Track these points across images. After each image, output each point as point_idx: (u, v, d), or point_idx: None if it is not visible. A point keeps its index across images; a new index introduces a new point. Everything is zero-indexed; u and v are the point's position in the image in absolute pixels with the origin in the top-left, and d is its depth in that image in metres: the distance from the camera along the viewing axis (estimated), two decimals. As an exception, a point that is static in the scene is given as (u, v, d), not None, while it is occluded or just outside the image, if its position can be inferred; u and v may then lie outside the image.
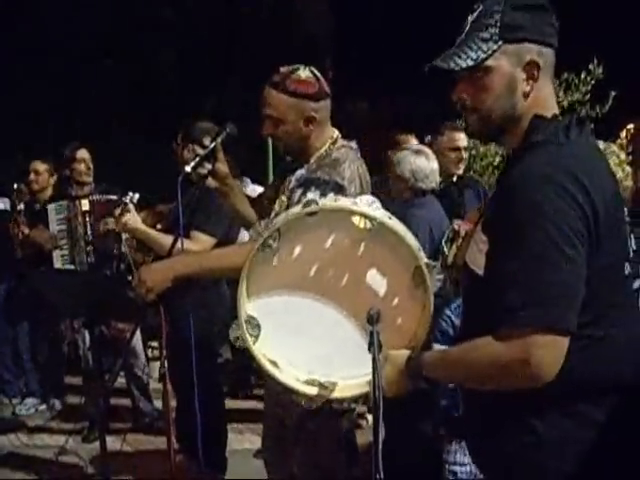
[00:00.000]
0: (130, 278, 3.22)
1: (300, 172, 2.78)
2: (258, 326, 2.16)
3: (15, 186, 5.93)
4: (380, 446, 1.68)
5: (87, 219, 5.20)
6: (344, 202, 2.08)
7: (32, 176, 6.01)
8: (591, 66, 7.56)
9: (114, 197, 5.15)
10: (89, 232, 5.20)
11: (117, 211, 4.20)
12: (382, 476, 1.66)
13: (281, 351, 2.17)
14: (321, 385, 2.13)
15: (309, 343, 2.13)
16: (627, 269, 1.88)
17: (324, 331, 2.12)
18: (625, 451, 1.81)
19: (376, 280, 2.05)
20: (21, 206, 5.68)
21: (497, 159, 7.44)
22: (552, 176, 1.69)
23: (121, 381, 5.76)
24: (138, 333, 5.28)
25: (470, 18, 1.87)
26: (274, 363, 2.17)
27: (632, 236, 2.80)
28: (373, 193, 2.48)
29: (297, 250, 2.09)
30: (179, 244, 3.00)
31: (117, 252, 4.76)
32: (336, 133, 2.85)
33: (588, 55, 7.62)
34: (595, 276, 1.72)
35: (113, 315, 4.06)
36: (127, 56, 14.34)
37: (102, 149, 5.79)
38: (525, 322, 1.66)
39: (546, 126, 1.81)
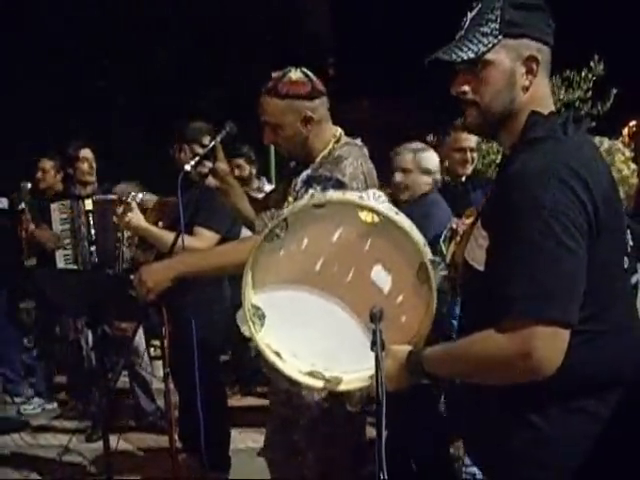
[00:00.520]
0: (132, 277, 3.22)
1: (305, 173, 2.78)
2: (263, 316, 2.17)
3: (22, 185, 5.91)
4: (383, 445, 1.68)
5: (90, 219, 5.20)
6: (351, 195, 2.09)
7: (39, 174, 6.02)
8: (592, 63, 7.54)
9: (116, 197, 5.15)
10: (92, 232, 5.20)
11: (120, 209, 4.21)
12: (386, 476, 1.66)
13: (285, 342, 2.17)
14: (324, 378, 2.13)
15: (313, 336, 2.14)
16: (626, 263, 1.89)
17: (328, 325, 2.13)
18: (627, 446, 1.81)
19: (381, 277, 2.05)
20: (22, 205, 5.66)
21: (500, 157, 7.42)
22: (552, 170, 1.70)
23: (124, 380, 5.78)
24: (140, 332, 5.29)
25: (469, 15, 1.90)
26: (277, 354, 2.17)
27: (628, 231, 2.80)
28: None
29: (304, 243, 2.10)
30: (180, 242, 3.02)
31: (119, 252, 4.77)
32: (339, 131, 2.84)
33: (589, 52, 7.61)
34: (595, 270, 1.73)
35: (115, 314, 4.06)
36: (126, 55, 14.33)
37: (103, 148, 5.78)
38: (526, 315, 1.67)
39: (544, 122, 1.82)
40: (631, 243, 2.53)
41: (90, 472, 4.77)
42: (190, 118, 4.48)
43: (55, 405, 6.12)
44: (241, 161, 6.05)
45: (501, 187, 1.82)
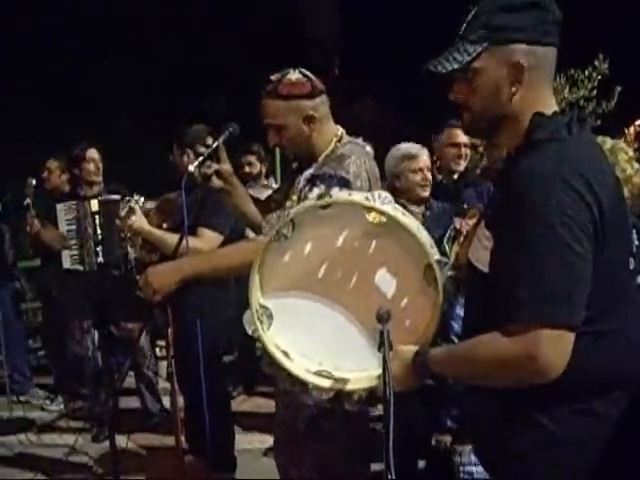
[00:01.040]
0: (138, 278, 3.22)
1: (308, 172, 2.78)
2: (271, 316, 2.17)
3: (29, 181, 5.91)
4: (391, 445, 1.68)
5: (96, 219, 5.21)
6: (357, 196, 2.09)
7: (45, 174, 6.03)
8: (596, 62, 7.54)
9: (122, 197, 5.17)
10: (98, 232, 5.21)
11: (123, 212, 4.22)
12: (394, 476, 1.66)
13: (293, 342, 2.18)
14: (332, 377, 2.13)
15: (320, 335, 2.14)
16: (632, 264, 1.89)
17: (334, 325, 2.13)
18: (634, 447, 1.81)
19: (385, 281, 2.05)
20: (28, 200, 5.67)
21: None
22: (557, 173, 1.69)
23: (130, 380, 5.79)
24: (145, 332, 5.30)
25: (466, 20, 1.90)
26: (285, 353, 2.17)
27: (634, 231, 2.80)
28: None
29: (309, 246, 2.10)
30: (184, 243, 3.02)
31: (124, 252, 4.78)
32: (340, 130, 2.86)
33: (593, 51, 7.61)
34: (601, 271, 1.73)
35: (121, 315, 4.06)
36: (130, 55, 14.36)
37: (107, 149, 5.78)
38: (532, 318, 1.66)
39: (547, 123, 1.82)
40: (637, 243, 2.54)
41: (96, 472, 4.77)
42: (194, 121, 4.50)
43: (62, 406, 6.12)
44: (252, 158, 6.08)
45: (505, 188, 1.82)
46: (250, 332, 2.20)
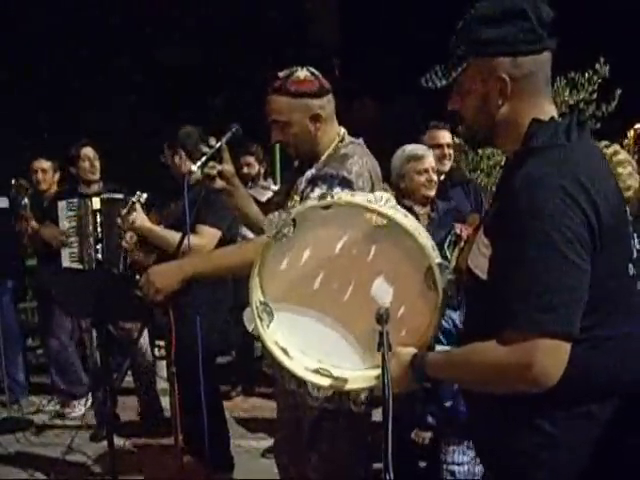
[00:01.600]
0: (137, 277, 3.23)
1: (309, 172, 2.78)
2: (271, 312, 2.17)
3: (13, 181, 5.90)
4: (390, 447, 1.68)
5: (98, 217, 5.22)
6: (359, 198, 2.08)
7: (39, 175, 6.03)
8: (597, 65, 7.55)
9: (123, 196, 5.18)
10: (99, 230, 5.22)
11: (124, 210, 4.23)
12: (392, 477, 1.66)
13: (293, 339, 2.17)
14: (331, 376, 2.13)
15: (320, 334, 2.14)
16: (631, 270, 1.89)
17: (332, 329, 2.13)
18: (633, 450, 1.82)
19: (382, 290, 2.04)
20: (25, 200, 5.66)
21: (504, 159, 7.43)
22: (554, 180, 1.70)
23: (128, 380, 5.79)
24: (145, 332, 5.30)
25: (456, 31, 1.93)
26: (285, 350, 2.17)
27: (635, 235, 2.80)
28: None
29: (308, 250, 2.10)
30: (186, 242, 3.03)
31: (123, 251, 4.78)
32: (342, 131, 2.86)
33: (594, 54, 7.61)
34: (600, 278, 1.73)
35: (120, 314, 4.07)
36: (133, 54, 14.38)
37: (108, 148, 5.80)
38: (528, 327, 1.67)
39: (545, 130, 1.81)
40: (638, 247, 2.53)
41: (94, 472, 4.77)
42: (192, 121, 4.52)
43: (58, 406, 6.11)
44: (251, 159, 6.09)
45: (503, 196, 1.82)
46: (250, 329, 2.19)
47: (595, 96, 7.56)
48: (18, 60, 13.26)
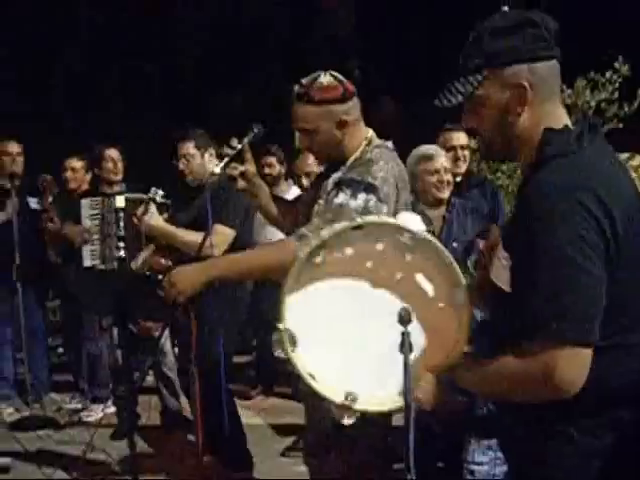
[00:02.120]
0: (159, 277, 3.25)
1: (336, 175, 2.78)
2: (296, 337, 2.18)
3: (40, 179, 5.92)
4: (412, 447, 1.69)
5: (120, 216, 5.25)
6: (388, 218, 2.13)
7: (69, 173, 6.07)
8: (617, 64, 7.49)
9: (143, 195, 5.22)
10: (121, 229, 5.25)
11: (140, 210, 4.26)
12: (414, 477, 1.67)
13: (318, 363, 2.17)
14: (358, 399, 2.12)
15: (349, 358, 2.14)
16: None
17: (362, 344, 2.13)
18: None
19: (424, 282, 2.06)
20: (51, 199, 5.70)
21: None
22: (565, 190, 1.70)
23: (149, 379, 5.84)
24: (166, 331, 5.32)
25: (463, 51, 1.92)
26: (312, 375, 2.18)
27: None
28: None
29: (348, 251, 2.11)
30: (208, 241, 3.04)
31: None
32: (370, 133, 2.85)
33: (614, 54, 7.55)
34: (619, 285, 1.73)
35: (142, 313, 4.10)
36: (150, 54, 14.44)
37: (128, 148, 5.82)
38: (547, 336, 1.68)
39: (557, 138, 1.81)
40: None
41: (115, 470, 4.79)
42: (213, 120, 4.54)
43: (80, 405, 6.16)
44: (272, 160, 6.10)
45: (518, 207, 1.84)
46: (277, 353, 2.21)
47: (617, 95, 7.50)
48: (52, 60, 13.40)
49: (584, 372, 1.69)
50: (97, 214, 5.35)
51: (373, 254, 2.10)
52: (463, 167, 4.84)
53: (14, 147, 5.99)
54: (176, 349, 5.89)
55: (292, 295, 2.15)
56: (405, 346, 1.78)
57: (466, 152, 4.85)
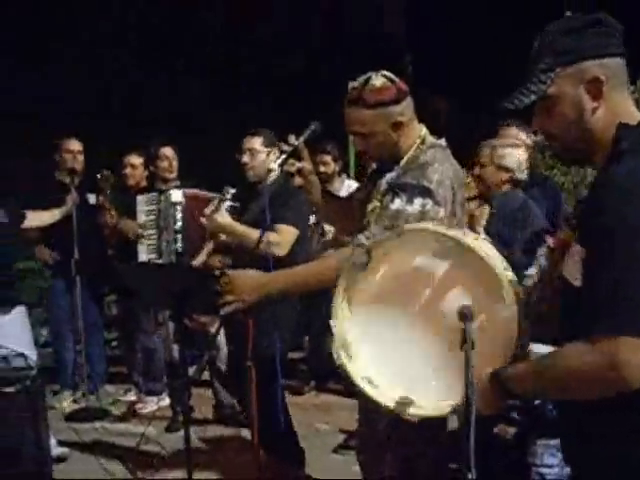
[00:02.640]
0: (217, 272, 3.26)
1: (390, 175, 2.77)
2: (351, 345, 2.19)
3: (99, 175, 5.99)
4: (472, 445, 1.67)
5: (177, 210, 5.32)
6: (429, 224, 2.15)
7: (128, 170, 6.16)
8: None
9: (207, 193, 5.28)
10: (178, 223, 5.31)
11: (210, 207, 4.31)
12: (474, 476, 1.65)
13: (374, 369, 2.18)
14: (413, 404, 2.12)
15: (400, 361, 2.15)
16: None
17: (413, 352, 2.13)
18: None
19: (459, 302, 2.04)
20: (108, 192, 5.75)
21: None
22: (635, 185, 1.69)
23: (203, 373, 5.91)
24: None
25: (531, 54, 1.90)
26: (369, 380, 2.18)
27: None
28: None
29: (384, 271, 2.15)
30: (265, 239, 3.04)
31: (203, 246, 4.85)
32: (424, 131, 2.82)
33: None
34: None
35: (200, 308, 4.13)
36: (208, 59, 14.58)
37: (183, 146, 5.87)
38: (612, 327, 1.66)
39: (629, 134, 1.80)
40: None
41: (169, 462, 4.84)
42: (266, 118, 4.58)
43: (135, 397, 6.25)
44: (327, 158, 6.11)
45: (591, 203, 1.81)
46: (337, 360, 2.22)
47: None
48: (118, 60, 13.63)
49: None
50: (153, 210, 5.43)
51: (405, 283, 2.12)
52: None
53: (75, 145, 6.09)
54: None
55: (344, 301, 2.18)
56: (467, 342, 1.76)
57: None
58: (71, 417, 5.80)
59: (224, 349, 5.50)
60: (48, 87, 11.97)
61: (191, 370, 4.32)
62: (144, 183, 6.10)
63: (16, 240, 5.39)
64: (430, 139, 2.82)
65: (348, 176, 6.86)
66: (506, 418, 3.31)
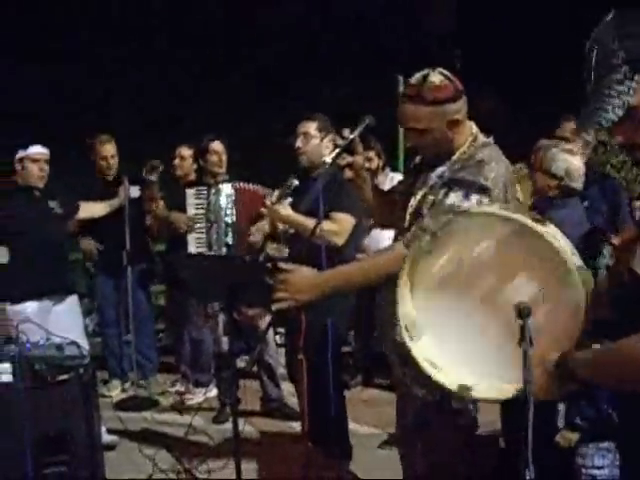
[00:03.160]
0: (269, 266, 3.27)
1: (441, 169, 2.77)
2: (414, 327, 2.18)
3: (147, 166, 6.02)
4: (530, 445, 1.65)
5: (228, 204, 5.35)
6: (494, 208, 2.12)
7: (177, 161, 6.20)
8: None
9: (257, 186, 5.30)
10: (229, 216, 5.35)
11: (273, 198, 4.33)
12: (533, 476, 1.64)
13: (436, 352, 2.18)
14: (469, 386, 2.11)
15: (463, 345, 2.14)
16: None
17: (475, 335, 2.13)
18: None
19: (524, 287, 2.03)
20: (153, 178, 5.75)
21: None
22: None
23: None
24: (268, 319, 5.39)
25: (591, 64, 1.85)
26: (433, 364, 2.17)
27: None
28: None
29: (448, 259, 2.14)
30: (320, 229, 3.04)
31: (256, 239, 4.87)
32: (474, 128, 2.82)
33: None
34: None
35: (252, 300, 4.15)
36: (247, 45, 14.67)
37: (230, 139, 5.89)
38: None
39: None
40: None
41: (215, 452, 4.88)
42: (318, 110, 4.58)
43: (182, 387, 6.30)
44: (371, 154, 6.10)
45: None
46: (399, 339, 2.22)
47: None
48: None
49: None
50: (202, 203, 5.48)
51: (469, 267, 2.11)
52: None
53: (108, 150, 6.10)
54: (277, 337, 5.99)
55: (408, 285, 2.17)
56: (525, 340, 1.75)
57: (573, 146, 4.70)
58: (119, 406, 5.88)
59: (272, 343, 5.54)
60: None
61: (239, 362, 4.34)
62: (192, 176, 6.14)
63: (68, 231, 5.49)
64: (481, 137, 2.81)
65: (394, 170, 6.81)
66: (569, 424, 3.26)
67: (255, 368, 5.58)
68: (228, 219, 5.37)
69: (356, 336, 6.51)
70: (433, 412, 2.73)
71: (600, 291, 2.01)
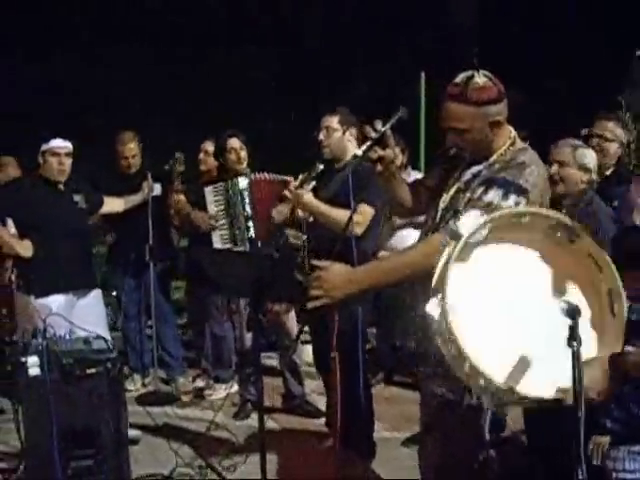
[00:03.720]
0: (299, 260, 3.26)
1: (477, 168, 2.78)
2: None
3: (172, 161, 6.00)
4: (582, 446, 1.63)
5: (245, 197, 5.33)
6: (550, 211, 2.13)
7: (202, 155, 6.18)
8: None
9: (275, 175, 5.28)
10: (248, 209, 5.33)
11: (296, 182, 4.32)
12: (585, 475, 1.62)
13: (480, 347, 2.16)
14: (514, 382, 2.09)
15: (507, 342, 2.12)
16: None
17: (521, 332, 2.11)
18: None
19: (569, 288, 2.01)
20: (177, 168, 5.72)
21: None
22: None
23: (271, 361, 5.95)
24: (293, 315, 5.39)
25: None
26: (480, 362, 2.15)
27: None
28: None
29: (495, 257, 2.13)
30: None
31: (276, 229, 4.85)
32: (513, 133, 2.82)
33: None
34: None
35: (279, 296, 4.14)
36: (274, 41, 14.66)
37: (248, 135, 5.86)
38: None
39: None
40: None
41: (236, 448, 4.88)
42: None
43: (204, 383, 6.30)
44: (397, 150, 6.05)
45: None
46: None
47: None
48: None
49: None
50: (221, 200, 5.45)
51: (513, 268, 2.12)
52: (607, 159, 4.65)
53: (130, 150, 6.07)
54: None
55: (450, 279, 2.13)
56: (575, 340, 1.72)
57: (612, 145, 4.67)
58: (141, 400, 5.88)
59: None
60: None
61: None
62: (215, 173, 6.12)
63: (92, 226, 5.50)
64: (520, 142, 2.82)
65: (414, 168, 6.77)
66: (599, 427, 3.22)
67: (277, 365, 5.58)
68: (247, 213, 5.34)
69: (377, 333, 6.49)
70: (451, 409, 2.72)
71: None
